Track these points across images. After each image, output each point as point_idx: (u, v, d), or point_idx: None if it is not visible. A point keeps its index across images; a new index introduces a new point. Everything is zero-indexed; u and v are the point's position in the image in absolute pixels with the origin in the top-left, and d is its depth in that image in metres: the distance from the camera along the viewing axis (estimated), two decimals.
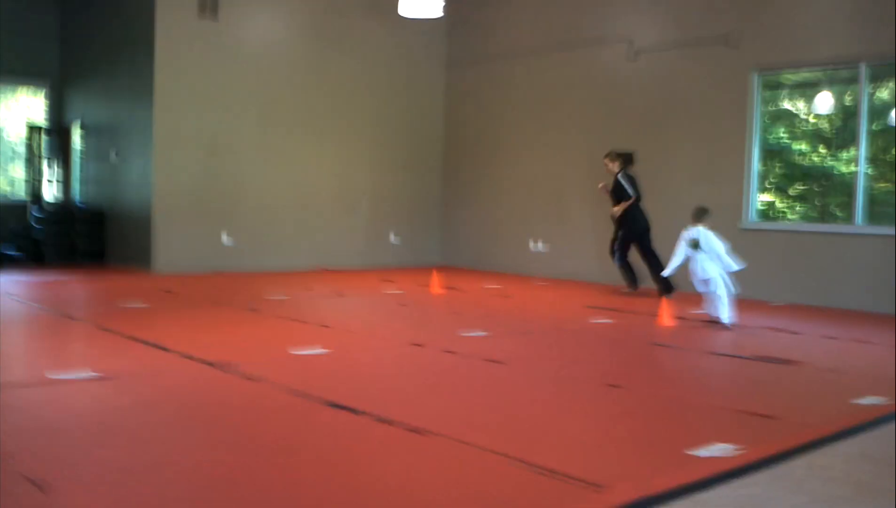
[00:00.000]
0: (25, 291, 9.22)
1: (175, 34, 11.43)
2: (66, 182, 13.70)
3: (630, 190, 9.98)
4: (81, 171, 13.57)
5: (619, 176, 10.10)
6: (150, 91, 11.37)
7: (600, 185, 10.46)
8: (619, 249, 10.20)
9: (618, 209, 10.08)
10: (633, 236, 10.07)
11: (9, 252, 12.16)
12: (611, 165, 10.22)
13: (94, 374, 4.93)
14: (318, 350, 5.92)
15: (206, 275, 11.39)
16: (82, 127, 13.42)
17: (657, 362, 6.19)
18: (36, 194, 13.66)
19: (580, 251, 12.13)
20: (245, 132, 12.15)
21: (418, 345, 6.29)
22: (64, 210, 12.90)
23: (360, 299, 9.43)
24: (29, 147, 13.68)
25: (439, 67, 14.19)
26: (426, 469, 3.39)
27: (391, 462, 3.48)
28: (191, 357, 5.52)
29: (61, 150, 13.75)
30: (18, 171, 14.28)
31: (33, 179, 13.71)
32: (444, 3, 9.93)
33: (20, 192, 14.10)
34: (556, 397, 4.82)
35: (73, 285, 10.08)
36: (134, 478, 3.16)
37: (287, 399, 4.47)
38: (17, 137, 14.24)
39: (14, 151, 14.36)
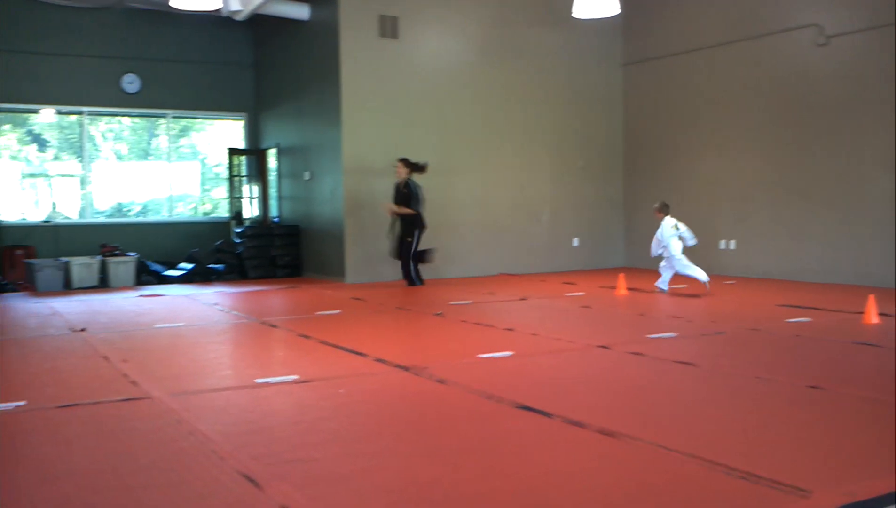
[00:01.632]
0: (231, 302, 9.89)
1: (358, 55, 11.93)
2: (263, 201, 14.59)
3: (414, 199, 11.09)
4: (277, 190, 14.41)
5: (409, 182, 11.10)
6: (338, 111, 11.91)
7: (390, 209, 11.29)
8: (408, 250, 11.21)
9: (400, 210, 11.11)
10: (416, 236, 11.20)
11: (214, 267, 13.08)
12: (401, 170, 11.17)
13: (296, 378, 5.23)
14: (505, 353, 6.00)
15: (394, 283, 11.78)
16: (277, 149, 14.25)
17: (862, 362, 5.82)
18: (237, 213, 14.63)
19: (771, 248, 11.60)
20: (427, 145, 12.47)
21: (604, 347, 6.23)
22: (262, 227, 13.73)
23: (544, 302, 9.44)
24: (230, 170, 14.68)
25: (615, 67, 14.01)
26: (620, 473, 3.36)
27: (584, 464, 3.47)
28: (384, 362, 5.74)
29: (259, 171, 14.67)
30: (220, 192, 15.36)
31: (234, 199, 14.69)
32: (619, 2, 9.81)
33: (222, 211, 15.15)
34: (752, 399, 4.64)
35: (273, 296, 10.70)
36: (340, 481, 3.32)
37: (478, 402, 4.56)
38: (218, 161, 15.32)
39: (216, 175, 15.45)
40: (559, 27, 13.23)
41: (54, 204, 14.12)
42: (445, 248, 12.64)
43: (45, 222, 13.63)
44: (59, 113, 13.99)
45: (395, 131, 12.23)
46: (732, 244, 12.21)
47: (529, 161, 13.32)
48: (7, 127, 13.76)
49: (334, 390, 4.96)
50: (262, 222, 14.43)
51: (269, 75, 14.55)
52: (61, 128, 14.22)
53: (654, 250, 10.06)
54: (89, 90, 13.77)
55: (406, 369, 5.47)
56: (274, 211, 14.54)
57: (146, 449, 3.76)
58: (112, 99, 13.98)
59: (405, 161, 11.21)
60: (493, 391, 4.76)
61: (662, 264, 10.14)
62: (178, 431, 4.04)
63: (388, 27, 12.10)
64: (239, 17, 12.56)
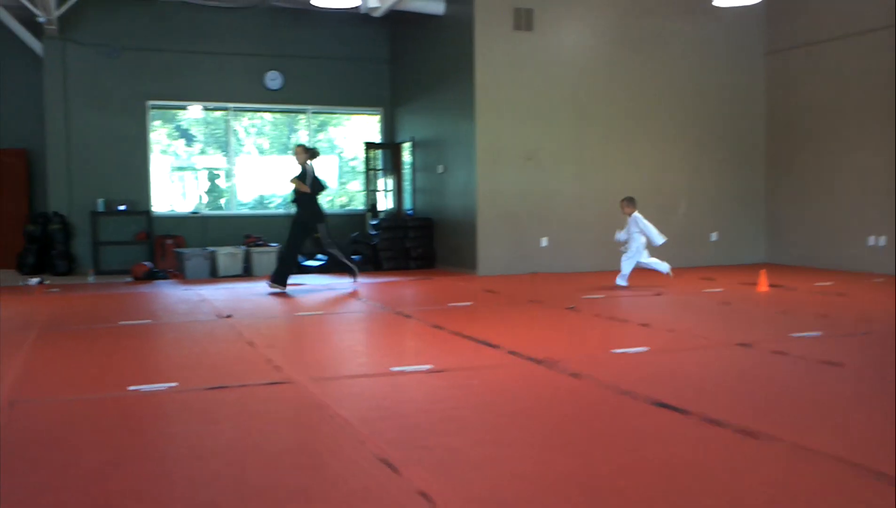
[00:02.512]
0: (366, 292, 10.13)
1: (493, 48, 11.97)
2: (398, 194, 14.86)
3: (310, 183, 10.27)
4: (411, 182, 14.65)
5: (306, 168, 10.35)
6: (472, 105, 11.99)
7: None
8: (320, 243, 10.49)
9: (302, 187, 10.28)
10: (313, 224, 10.34)
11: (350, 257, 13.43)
12: (300, 156, 10.44)
13: (430, 367, 5.31)
14: (640, 349, 5.91)
15: (525, 276, 11.78)
16: (412, 143, 14.49)
17: None
18: (372, 205, 14.96)
19: None
20: (560, 138, 12.42)
21: (745, 345, 6.04)
22: (397, 219, 13.99)
23: (680, 298, 9.23)
24: (366, 164, 15.02)
25: (758, 56, 13.50)
26: (760, 473, 3.26)
27: (722, 463, 3.39)
28: (516, 354, 5.76)
29: (394, 165, 14.95)
30: (355, 185, 15.74)
31: (370, 192, 15.02)
32: None
33: (358, 204, 15.52)
34: None
35: (406, 287, 10.89)
36: (475, 468, 3.36)
37: (612, 397, 4.52)
38: (354, 155, 15.70)
39: (352, 168, 15.84)
40: (698, 15, 12.87)
41: (201, 196, 14.83)
42: (578, 241, 12.55)
43: (193, 213, 14.34)
44: (206, 109, 14.67)
45: (530, 124, 12.22)
46: (882, 241, 11.58)
47: (666, 153, 13.03)
48: (157, 123, 14.53)
49: (467, 380, 5.01)
50: (396, 214, 14.71)
51: (404, 70, 14.80)
52: (207, 123, 14.90)
53: (656, 240, 10.17)
54: (234, 87, 14.38)
55: (539, 361, 5.47)
56: (408, 204, 14.80)
57: (290, 431, 3.92)
58: (256, 95, 14.55)
59: (303, 147, 10.56)
60: (628, 386, 4.70)
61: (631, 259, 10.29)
62: (320, 415, 4.19)
63: (523, 20, 12.08)
64: (376, 14, 12.84)
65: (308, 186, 10.26)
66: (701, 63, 13.16)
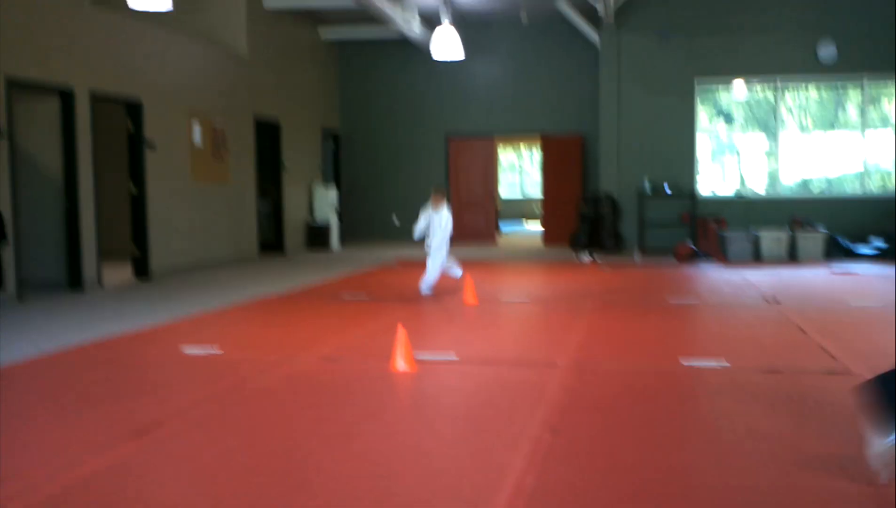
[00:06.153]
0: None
1: None
2: None
3: None
4: None
5: None
6: None
7: None
8: None
9: None
10: None
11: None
12: None
13: None
14: None
15: None
16: None
17: None
18: None
19: None
20: None
21: None
22: None
23: None
24: None
25: None
26: None
27: None
28: None
29: None
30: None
31: None
32: None
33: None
34: None
35: None
36: None
37: None
38: None
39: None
40: None
41: (743, 178, 14.60)
42: None
43: (737, 195, 14.17)
44: (750, 85, 14.24)
45: None
46: None
47: None
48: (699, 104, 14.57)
49: None
50: None
51: None
52: (748, 104, 14.55)
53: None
54: (782, 60, 13.78)
55: None
56: None
57: (851, 425, 3.68)
58: (805, 67, 13.76)
59: None
60: None
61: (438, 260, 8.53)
62: None
63: None
64: None
65: None
66: None
